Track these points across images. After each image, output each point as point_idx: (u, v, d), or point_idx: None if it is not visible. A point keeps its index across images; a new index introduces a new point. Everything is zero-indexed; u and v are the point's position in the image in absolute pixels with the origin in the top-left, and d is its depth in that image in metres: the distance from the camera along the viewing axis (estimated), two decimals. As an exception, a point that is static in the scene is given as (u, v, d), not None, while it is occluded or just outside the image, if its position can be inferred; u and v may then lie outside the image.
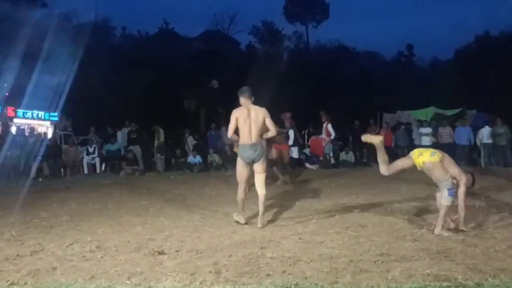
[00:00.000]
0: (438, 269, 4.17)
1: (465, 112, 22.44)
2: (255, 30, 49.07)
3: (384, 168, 6.21)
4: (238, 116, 6.73)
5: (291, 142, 14.26)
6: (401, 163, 6.22)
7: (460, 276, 3.96)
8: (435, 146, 16.93)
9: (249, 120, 6.69)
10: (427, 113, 22.23)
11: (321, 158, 16.20)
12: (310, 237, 5.61)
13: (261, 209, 6.71)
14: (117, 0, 52.38)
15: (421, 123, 18.17)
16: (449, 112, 23.67)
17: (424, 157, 5.87)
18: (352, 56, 45.26)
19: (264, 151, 7.00)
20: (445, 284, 3.82)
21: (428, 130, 16.87)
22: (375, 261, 4.47)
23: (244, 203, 6.83)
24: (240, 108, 6.82)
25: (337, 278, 4.05)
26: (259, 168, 6.84)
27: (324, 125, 14.10)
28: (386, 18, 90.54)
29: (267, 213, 7.46)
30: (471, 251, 4.79)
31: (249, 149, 6.69)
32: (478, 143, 16.13)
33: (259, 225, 6.56)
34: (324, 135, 15.51)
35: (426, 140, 16.44)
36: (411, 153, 6.08)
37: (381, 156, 6.21)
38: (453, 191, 5.77)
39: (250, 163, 6.78)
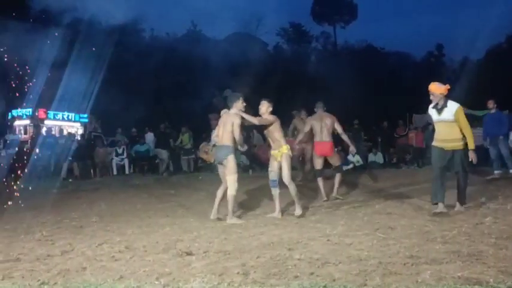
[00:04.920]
0: (469, 272, 4.09)
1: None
2: (282, 32, 49.08)
3: None
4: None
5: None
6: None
7: (491, 280, 3.88)
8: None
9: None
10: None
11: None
12: (339, 239, 5.56)
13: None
14: (145, 2, 52.93)
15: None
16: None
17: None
18: (380, 56, 44.89)
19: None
20: (477, 287, 3.74)
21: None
22: (405, 264, 4.40)
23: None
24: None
25: (366, 280, 4.00)
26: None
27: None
28: (416, 17, 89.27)
29: (290, 215, 7.45)
30: (503, 254, 4.69)
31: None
32: (511, 145, 15.52)
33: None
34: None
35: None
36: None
37: None
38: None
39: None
